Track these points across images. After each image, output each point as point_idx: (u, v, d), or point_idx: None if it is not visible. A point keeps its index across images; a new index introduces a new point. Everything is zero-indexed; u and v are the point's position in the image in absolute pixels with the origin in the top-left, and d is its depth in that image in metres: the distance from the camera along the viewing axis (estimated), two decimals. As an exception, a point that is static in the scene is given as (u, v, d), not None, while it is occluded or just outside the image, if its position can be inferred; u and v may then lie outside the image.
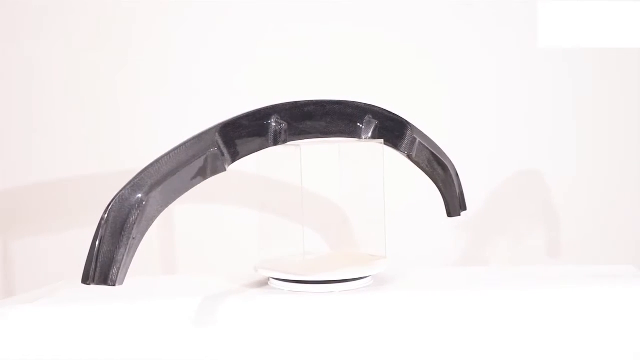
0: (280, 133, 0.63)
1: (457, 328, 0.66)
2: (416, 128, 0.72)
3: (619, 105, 1.03)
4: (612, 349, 0.65)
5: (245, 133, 0.62)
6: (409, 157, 0.71)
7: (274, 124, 0.63)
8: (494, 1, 1.01)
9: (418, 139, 0.71)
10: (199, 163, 0.59)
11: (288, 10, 1.00)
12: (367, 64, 1.01)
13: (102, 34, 0.99)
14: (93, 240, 0.53)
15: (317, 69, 1.01)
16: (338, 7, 1.00)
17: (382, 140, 0.69)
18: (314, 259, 0.72)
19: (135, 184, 0.55)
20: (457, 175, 0.75)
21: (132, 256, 0.54)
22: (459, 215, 0.76)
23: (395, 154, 0.72)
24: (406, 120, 0.71)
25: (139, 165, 0.59)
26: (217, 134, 0.60)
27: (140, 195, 0.55)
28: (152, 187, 0.55)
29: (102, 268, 0.52)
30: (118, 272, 0.52)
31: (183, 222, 1.00)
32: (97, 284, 0.52)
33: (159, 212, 0.56)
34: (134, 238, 0.53)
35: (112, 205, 0.54)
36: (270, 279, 0.70)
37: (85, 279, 0.52)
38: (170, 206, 0.59)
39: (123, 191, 0.55)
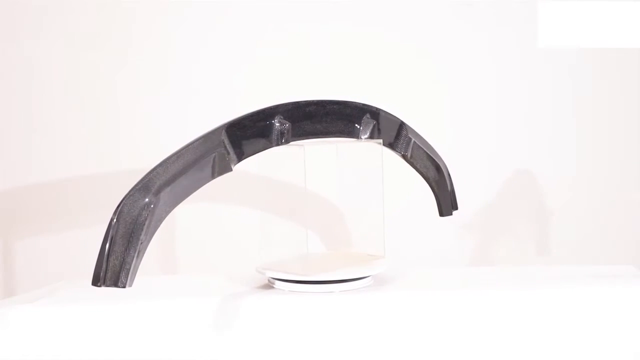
0: (283, 133, 0.63)
1: (457, 328, 0.66)
2: (411, 128, 0.72)
3: (619, 105, 1.03)
4: (612, 349, 0.65)
5: (250, 133, 0.62)
6: (404, 157, 0.72)
7: (277, 124, 0.63)
8: (494, 1, 1.01)
9: (413, 139, 0.71)
10: (206, 163, 0.59)
11: (288, 10, 1.00)
12: (367, 64, 1.01)
13: (102, 34, 0.99)
14: (103, 243, 0.53)
15: (317, 69, 1.01)
16: (338, 7, 1.00)
17: (381, 141, 0.69)
18: (314, 259, 0.72)
19: (143, 186, 0.55)
20: (449, 175, 0.76)
21: (141, 258, 0.54)
22: (451, 214, 0.76)
23: (393, 154, 0.72)
24: (402, 121, 0.71)
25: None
26: (223, 134, 0.60)
27: (149, 198, 0.55)
28: (161, 189, 0.55)
29: (112, 271, 0.52)
30: (128, 275, 0.52)
31: (183, 222, 1.00)
32: (108, 286, 0.52)
33: (167, 213, 0.56)
34: (142, 242, 0.53)
35: (122, 208, 0.54)
36: (271, 279, 0.70)
37: (96, 281, 0.52)
38: (171, 206, 0.59)
39: (132, 193, 0.55)
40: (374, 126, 0.69)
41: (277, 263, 0.70)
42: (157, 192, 0.55)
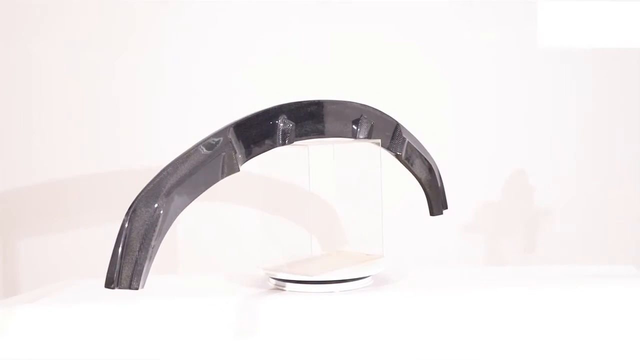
0: (287, 133, 0.63)
1: (457, 328, 0.66)
2: (405, 128, 0.72)
3: (619, 105, 1.03)
4: (613, 349, 0.65)
5: (256, 133, 0.62)
6: (398, 156, 0.72)
7: (282, 124, 0.63)
8: (494, 1, 1.01)
9: (407, 139, 0.72)
10: (215, 163, 0.59)
11: (288, 10, 1.00)
12: (367, 64, 1.01)
13: (102, 34, 0.99)
14: (115, 246, 0.53)
15: (317, 69, 1.01)
16: (338, 7, 1.00)
17: (380, 141, 0.70)
18: (314, 259, 0.72)
19: (154, 187, 0.55)
20: (439, 175, 0.76)
21: (153, 260, 0.54)
22: (442, 213, 0.76)
23: (389, 154, 0.72)
24: (396, 121, 0.71)
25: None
26: (230, 134, 0.60)
27: (160, 199, 0.55)
28: (171, 190, 0.55)
29: (126, 274, 0.53)
30: (140, 278, 0.53)
31: (183, 222, 1.00)
32: (121, 288, 0.53)
33: (177, 214, 0.56)
34: (154, 246, 0.54)
35: (134, 210, 0.54)
36: (271, 279, 0.70)
37: (109, 283, 0.53)
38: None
39: (143, 194, 0.55)
40: (371, 126, 0.69)
41: (277, 263, 0.70)
42: (168, 194, 0.55)
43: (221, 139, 0.60)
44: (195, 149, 0.58)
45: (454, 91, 1.03)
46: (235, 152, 0.60)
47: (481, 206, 1.03)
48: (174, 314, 0.66)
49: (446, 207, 0.77)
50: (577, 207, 1.04)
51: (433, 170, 0.75)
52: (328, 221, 0.97)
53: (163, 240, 0.55)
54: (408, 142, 0.72)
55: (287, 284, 0.68)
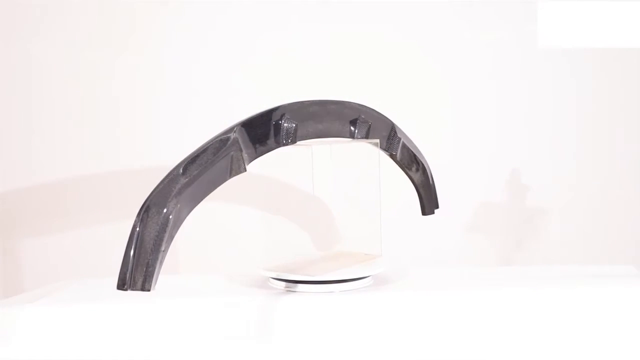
0: (290, 133, 0.63)
1: (457, 328, 0.66)
2: (400, 129, 0.72)
3: (619, 105, 1.03)
4: (613, 349, 0.65)
5: (260, 133, 0.62)
6: (393, 156, 0.72)
7: (285, 124, 0.63)
8: (494, 1, 1.01)
9: (402, 140, 0.72)
10: (223, 164, 0.59)
11: (288, 10, 1.00)
12: (367, 64, 1.01)
13: (102, 34, 0.99)
14: (127, 248, 0.53)
15: (317, 69, 1.01)
16: (338, 7, 1.00)
17: (378, 141, 0.70)
18: (314, 259, 0.72)
19: (165, 188, 0.55)
20: (431, 175, 0.76)
21: (163, 261, 0.55)
22: (433, 213, 0.77)
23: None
24: (392, 121, 0.72)
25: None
26: (236, 134, 0.60)
27: (171, 200, 0.55)
28: (181, 191, 0.55)
29: (137, 276, 0.53)
30: (152, 280, 0.53)
31: (183, 222, 1.00)
32: (134, 290, 0.53)
33: (187, 215, 0.57)
34: (164, 249, 0.54)
35: (145, 212, 0.54)
36: (271, 279, 0.70)
37: (122, 285, 0.53)
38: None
39: (154, 195, 0.55)
40: (368, 127, 0.69)
41: (277, 263, 0.70)
42: (179, 194, 0.55)
43: (229, 138, 0.59)
44: (203, 149, 0.58)
45: (454, 91, 1.03)
46: (242, 152, 0.60)
47: (480, 206, 1.03)
48: (174, 314, 0.66)
49: (438, 207, 0.77)
50: (576, 207, 1.04)
51: (426, 171, 0.75)
52: (326, 221, 0.97)
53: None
54: (403, 143, 0.72)
55: (287, 284, 0.68)
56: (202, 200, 0.58)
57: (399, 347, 0.65)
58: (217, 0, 1.00)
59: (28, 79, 1.00)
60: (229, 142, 0.59)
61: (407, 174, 0.74)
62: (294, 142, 0.64)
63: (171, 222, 0.54)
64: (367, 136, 0.69)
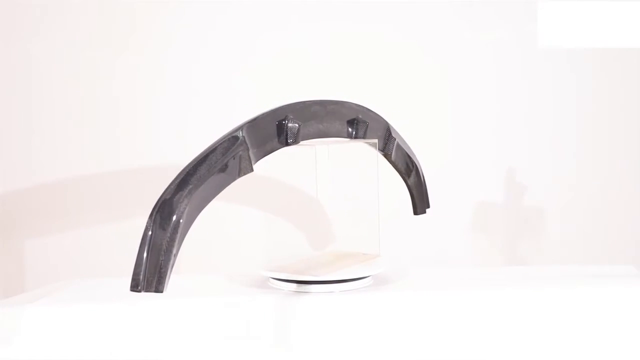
0: (294, 133, 0.63)
1: (456, 328, 0.66)
2: (394, 129, 0.73)
3: (619, 105, 1.03)
4: (613, 349, 0.65)
5: (266, 132, 0.62)
6: (387, 156, 0.72)
7: (289, 124, 0.63)
8: (494, 1, 1.01)
9: (397, 140, 0.72)
10: (233, 164, 0.59)
11: (288, 10, 1.00)
12: (367, 64, 1.01)
13: (102, 34, 0.99)
14: (140, 250, 0.54)
15: (317, 68, 1.01)
16: (338, 7, 1.00)
17: (377, 141, 0.70)
18: (313, 259, 0.72)
19: (176, 189, 0.55)
20: (423, 175, 0.77)
21: (174, 263, 0.55)
22: (425, 212, 0.77)
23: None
24: (387, 121, 0.72)
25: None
26: (243, 134, 0.60)
27: (182, 201, 0.55)
28: (192, 192, 0.56)
29: (150, 278, 0.54)
30: (164, 281, 0.53)
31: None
32: (147, 291, 0.54)
33: (197, 215, 0.57)
34: (176, 252, 0.54)
35: (157, 214, 0.54)
36: (271, 279, 0.70)
37: (135, 287, 0.54)
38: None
39: (165, 197, 0.55)
40: (366, 127, 0.69)
41: (277, 263, 0.70)
42: (189, 195, 0.55)
43: (237, 138, 0.59)
44: (212, 149, 0.58)
45: (454, 91, 1.03)
46: (249, 152, 0.60)
47: (480, 206, 1.03)
48: (174, 314, 0.66)
49: (428, 206, 0.78)
50: (576, 207, 1.04)
51: (418, 171, 0.76)
52: (325, 221, 0.97)
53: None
54: (397, 143, 0.73)
55: (287, 284, 0.68)
56: (211, 200, 0.58)
57: (399, 347, 0.65)
58: (218, 0, 1.00)
59: (28, 79, 1.00)
60: (237, 142, 0.59)
61: (400, 174, 0.75)
62: (297, 142, 0.64)
63: (183, 223, 0.54)
64: (365, 136, 0.69)
